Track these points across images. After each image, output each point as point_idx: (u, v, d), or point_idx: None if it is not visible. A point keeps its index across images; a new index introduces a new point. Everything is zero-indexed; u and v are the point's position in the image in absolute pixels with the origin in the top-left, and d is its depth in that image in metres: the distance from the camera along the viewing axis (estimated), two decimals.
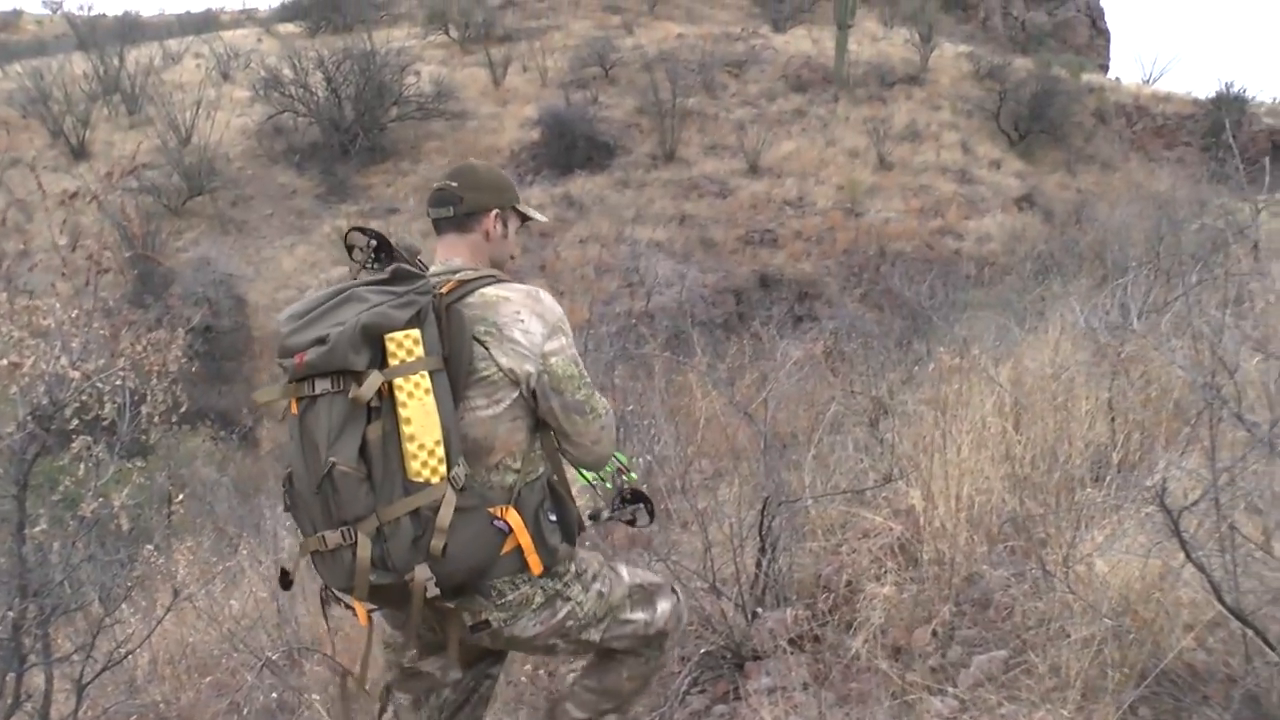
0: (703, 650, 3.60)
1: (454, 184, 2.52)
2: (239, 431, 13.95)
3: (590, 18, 32.13)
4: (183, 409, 5.12)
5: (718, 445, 5.54)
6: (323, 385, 2.12)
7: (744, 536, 3.71)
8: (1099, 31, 38.22)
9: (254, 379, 17.49)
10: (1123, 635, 2.68)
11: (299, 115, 24.81)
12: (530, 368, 2.32)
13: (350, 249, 2.37)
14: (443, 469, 2.14)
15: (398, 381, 2.12)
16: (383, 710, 2.67)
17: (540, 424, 2.41)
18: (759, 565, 3.66)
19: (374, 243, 2.35)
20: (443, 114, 25.25)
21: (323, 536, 2.12)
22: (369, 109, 24.46)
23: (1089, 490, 3.53)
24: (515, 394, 2.33)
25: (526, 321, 2.33)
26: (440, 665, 2.57)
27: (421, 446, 2.13)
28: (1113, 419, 4.05)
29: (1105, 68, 35.59)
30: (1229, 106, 27.93)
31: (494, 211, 2.55)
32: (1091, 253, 11.98)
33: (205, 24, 39.81)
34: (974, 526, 3.55)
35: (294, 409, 2.16)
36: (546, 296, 2.43)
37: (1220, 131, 26.13)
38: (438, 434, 2.14)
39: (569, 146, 23.42)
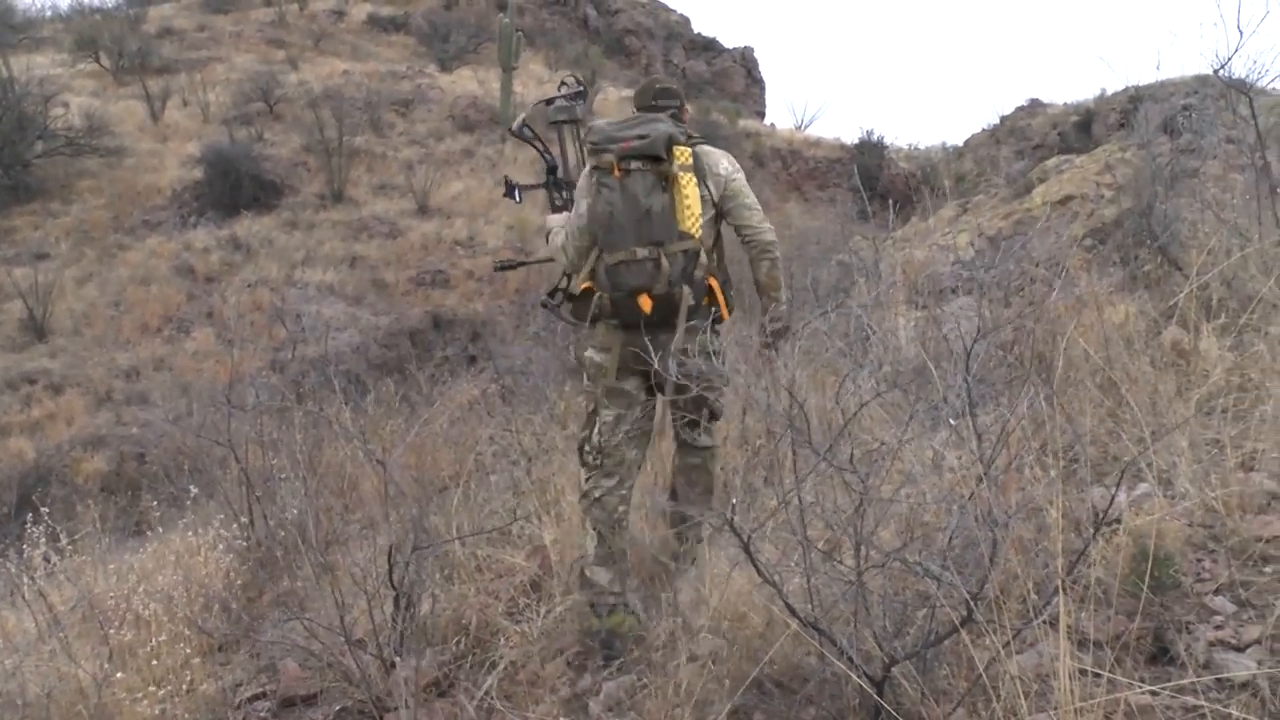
0: (338, 708, 3.72)
1: (673, 88, 3.95)
2: None
3: (253, 51, 31.62)
4: None
5: (368, 494, 5.70)
6: (636, 164, 3.47)
7: (378, 586, 3.78)
8: (754, 80, 41.59)
9: None
10: (730, 649, 3.02)
11: None
12: (723, 188, 3.69)
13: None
14: (698, 229, 3.51)
15: (677, 173, 3.51)
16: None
17: (716, 235, 3.77)
18: (395, 614, 3.71)
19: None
20: (96, 150, 24.02)
21: (634, 250, 3.44)
22: (9, 143, 22.80)
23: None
24: (712, 211, 3.67)
25: (723, 163, 3.73)
26: (635, 385, 3.71)
27: (690, 210, 3.50)
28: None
29: (761, 114, 38.76)
30: (870, 151, 31.39)
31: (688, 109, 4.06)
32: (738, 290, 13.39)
33: None
34: None
35: (616, 173, 3.46)
36: (731, 157, 3.85)
37: (865, 174, 29.42)
38: (698, 209, 3.52)
39: (234, 186, 22.95)
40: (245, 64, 29.87)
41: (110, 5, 36.11)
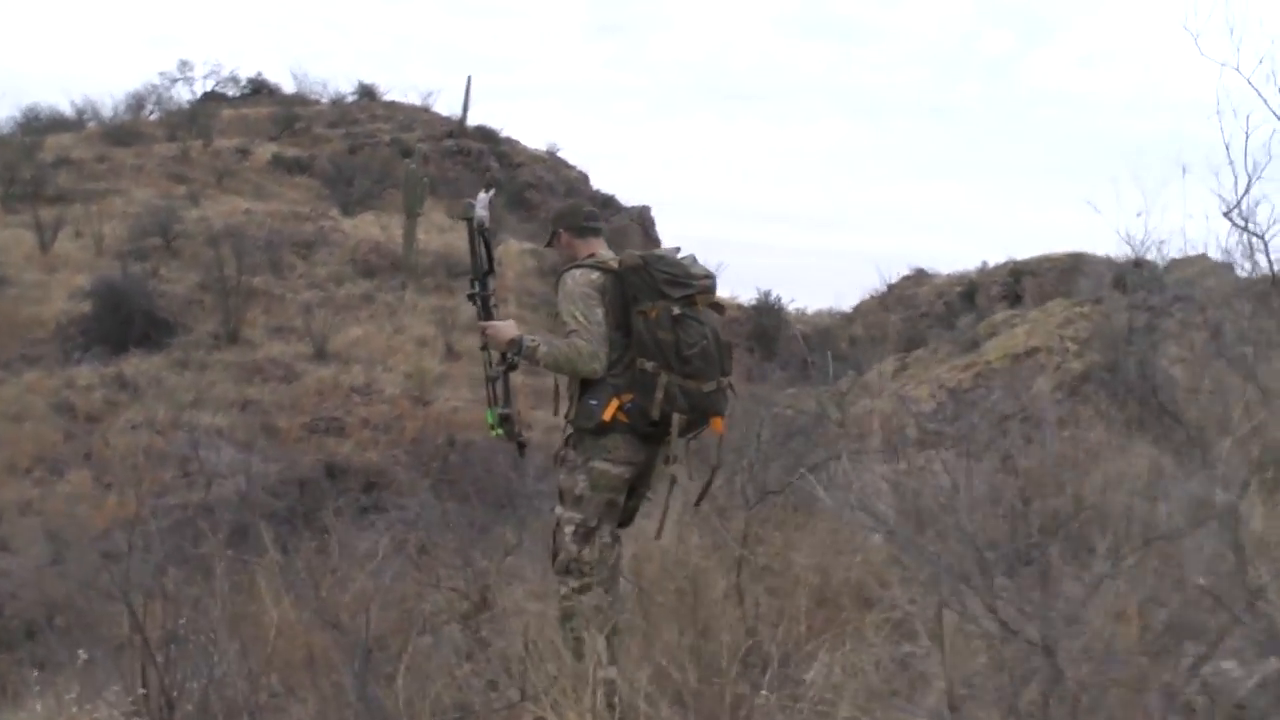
0: None
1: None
2: None
3: (154, 185, 31.21)
4: None
5: (291, 657, 5.13)
6: (708, 300, 3.88)
7: None
8: (650, 239, 42.49)
9: None
10: None
11: None
12: None
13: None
14: None
15: None
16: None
17: None
18: None
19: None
20: None
21: (718, 380, 3.78)
22: None
23: (763, 695, 3.36)
24: None
25: None
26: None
27: None
28: (744, 606, 4.02)
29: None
30: (768, 313, 32.04)
31: None
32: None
33: None
34: None
35: (702, 307, 3.82)
36: None
37: (762, 335, 30.15)
38: None
39: (124, 321, 22.14)
40: (144, 197, 29.36)
41: (5, 131, 35.56)
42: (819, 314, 38.73)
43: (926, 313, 37.21)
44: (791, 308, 34.72)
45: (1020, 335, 10.53)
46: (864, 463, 5.46)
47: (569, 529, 3.80)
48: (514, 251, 30.42)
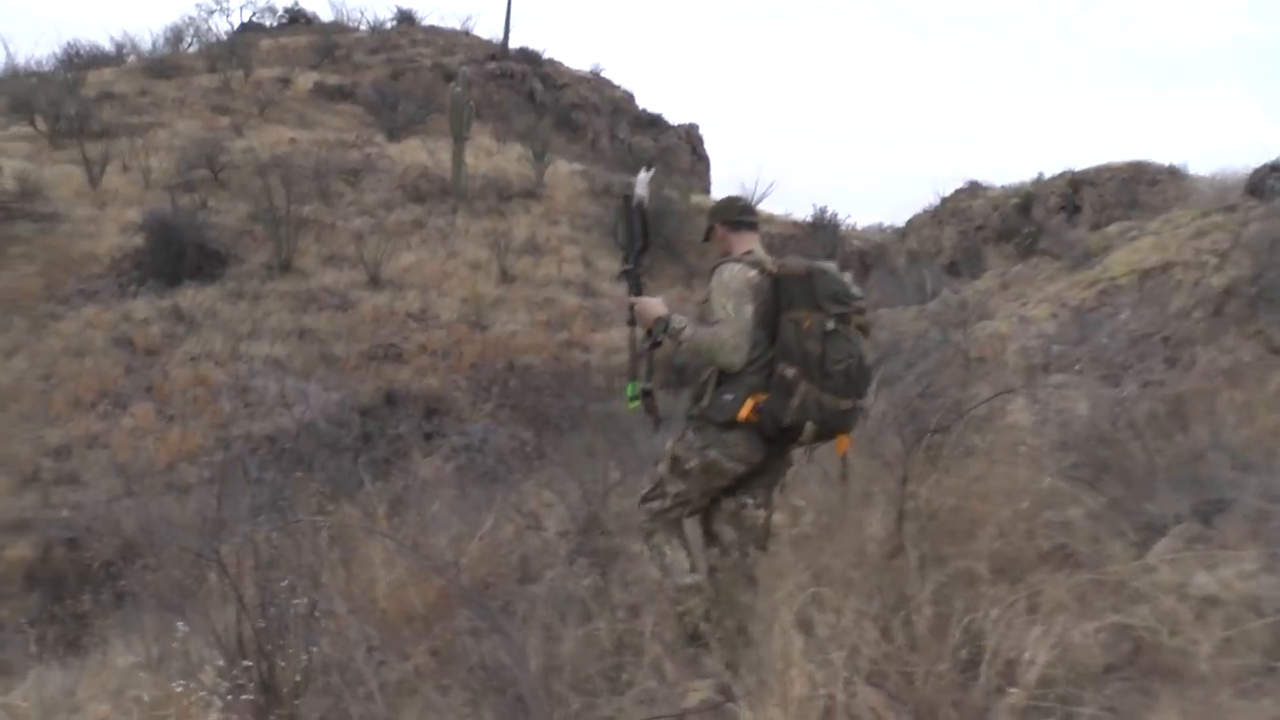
0: None
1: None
2: None
3: (197, 117, 30.85)
4: None
5: (389, 609, 4.57)
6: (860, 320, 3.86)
7: None
8: (699, 157, 41.77)
9: None
10: None
11: None
12: None
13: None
14: None
15: None
16: None
17: None
18: None
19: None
20: (29, 215, 22.87)
21: (854, 400, 3.74)
22: None
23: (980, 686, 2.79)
24: None
25: None
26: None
27: None
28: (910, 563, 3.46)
29: (707, 190, 38.77)
30: (824, 229, 31.33)
31: None
32: None
33: None
34: None
35: (854, 326, 3.80)
36: None
37: (820, 250, 29.42)
38: None
39: (176, 254, 21.92)
40: (189, 130, 29.02)
41: (48, 68, 35.30)
42: (869, 230, 37.91)
43: (981, 226, 36.28)
44: (852, 223, 34.05)
45: (1145, 248, 9.64)
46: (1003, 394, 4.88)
47: (671, 490, 3.89)
48: (564, 173, 29.88)
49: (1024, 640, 2.76)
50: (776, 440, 3.80)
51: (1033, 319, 8.49)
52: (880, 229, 38.60)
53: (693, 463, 3.83)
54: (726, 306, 3.80)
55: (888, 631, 2.97)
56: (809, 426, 3.69)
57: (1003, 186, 37.52)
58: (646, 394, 4.02)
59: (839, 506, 3.89)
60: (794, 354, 3.71)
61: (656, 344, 3.99)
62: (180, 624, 4.33)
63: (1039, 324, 8.21)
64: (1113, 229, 12.15)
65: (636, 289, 4.07)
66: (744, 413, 3.73)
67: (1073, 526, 3.62)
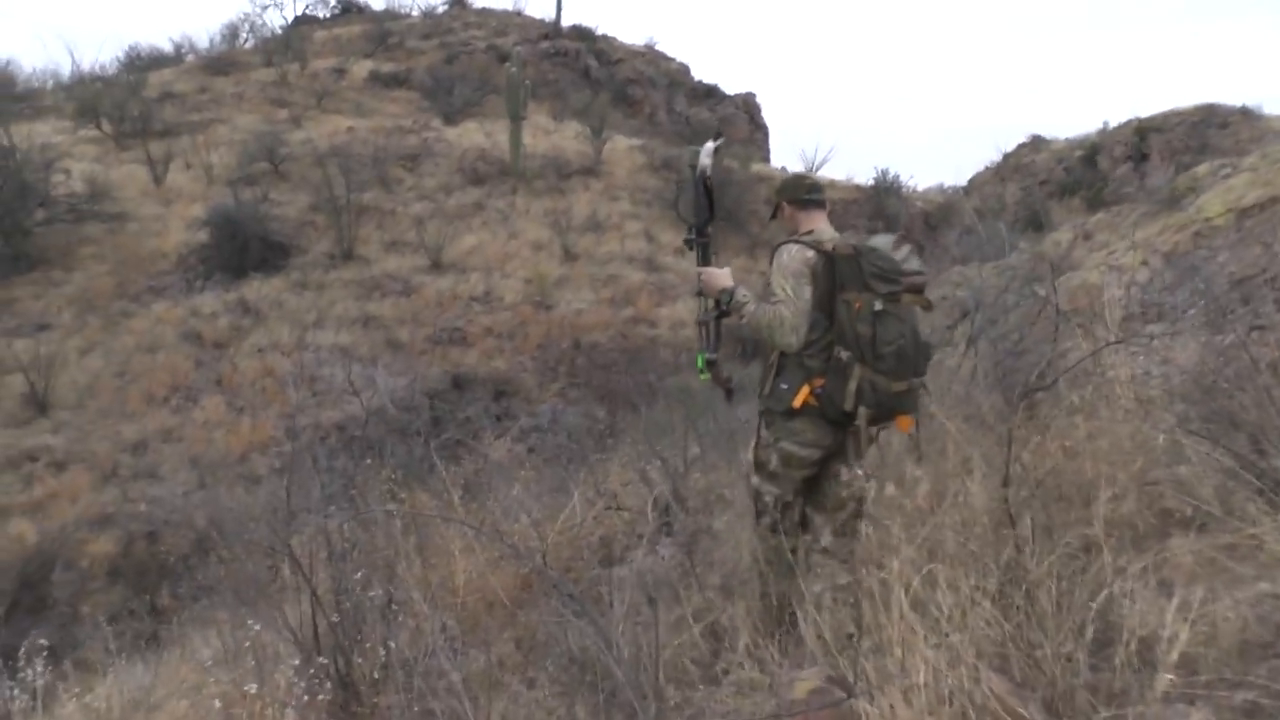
0: None
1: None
2: None
3: (256, 111, 31.03)
4: None
5: (467, 599, 4.47)
6: (910, 296, 3.74)
7: None
8: (757, 126, 41.20)
9: None
10: None
11: None
12: None
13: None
14: None
15: None
16: None
17: None
18: None
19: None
20: (98, 216, 23.20)
21: (909, 380, 3.66)
22: (10, 211, 21.96)
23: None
24: None
25: None
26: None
27: None
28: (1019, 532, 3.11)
29: (766, 159, 38.27)
30: (886, 191, 30.81)
31: None
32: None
33: None
34: None
35: (903, 305, 3.69)
36: None
37: (883, 214, 28.94)
38: None
39: (241, 248, 22.12)
40: (248, 124, 29.22)
41: (111, 72, 35.76)
42: (931, 190, 37.26)
43: (1046, 180, 35.44)
44: (913, 185, 33.43)
45: (1241, 185, 9.06)
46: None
47: (769, 498, 3.83)
48: (622, 149, 29.62)
49: (1159, 616, 2.47)
50: (841, 423, 3.72)
51: (1123, 267, 8.05)
52: (942, 189, 37.90)
53: (773, 461, 3.80)
54: (785, 288, 3.75)
55: (1008, 610, 2.71)
56: (862, 411, 3.63)
57: (1067, 139, 36.73)
58: (712, 364, 3.99)
59: (939, 475, 3.59)
60: (847, 337, 3.65)
61: (724, 314, 3.95)
62: (251, 621, 4.12)
63: (1130, 272, 7.77)
64: (1202, 168, 11.54)
65: (704, 259, 4.04)
66: (799, 400, 3.70)
67: (1193, 485, 3.33)
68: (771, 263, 3.86)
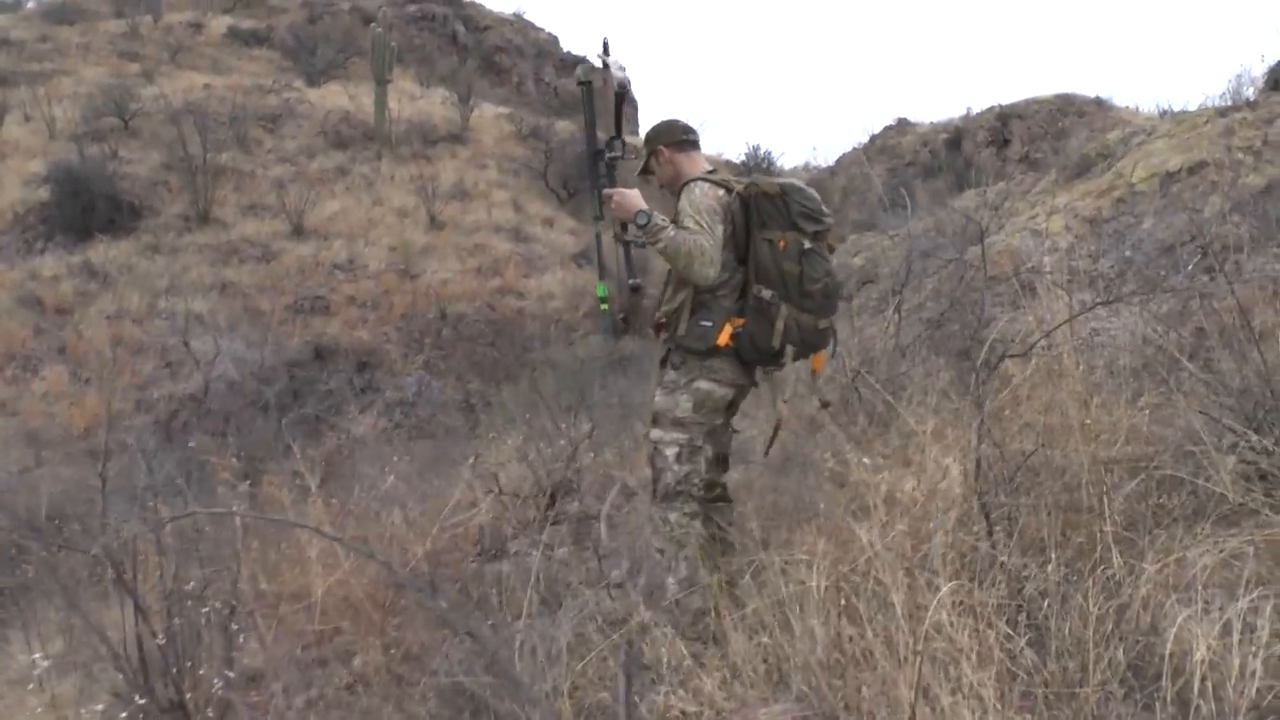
0: None
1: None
2: None
3: (104, 64, 29.36)
4: None
5: (326, 604, 3.85)
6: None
7: None
8: (627, 101, 40.98)
9: None
10: None
11: None
12: None
13: None
14: None
15: None
16: None
17: None
18: None
19: None
20: None
21: (830, 319, 3.67)
22: None
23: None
24: None
25: None
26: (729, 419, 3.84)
27: None
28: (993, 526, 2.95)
29: (636, 134, 38.04)
30: (757, 168, 30.97)
31: None
32: None
33: None
34: None
35: (824, 246, 3.66)
36: None
37: None
38: None
39: (86, 207, 20.82)
40: (95, 77, 27.58)
41: None
42: (796, 170, 37.72)
43: (911, 162, 36.20)
44: (787, 163, 33.75)
45: (1163, 150, 9.09)
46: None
47: (670, 451, 3.66)
48: (489, 116, 29.04)
49: (1192, 632, 2.11)
50: (752, 364, 3.70)
51: (1044, 232, 8.07)
52: (809, 168, 38.39)
53: (683, 405, 3.65)
54: (701, 222, 3.61)
55: (1016, 627, 2.36)
56: (789, 349, 3.60)
57: (932, 123, 37.53)
58: (635, 289, 3.84)
59: (905, 459, 3.36)
60: (770, 276, 3.58)
61: (634, 243, 3.81)
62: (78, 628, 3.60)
63: (1053, 237, 7.80)
64: (1113, 135, 11.72)
65: (611, 179, 3.87)
66: (723, 338, 3.60)
67: (1180, 464, 3.03)
68: (679, 200, 3.71)
